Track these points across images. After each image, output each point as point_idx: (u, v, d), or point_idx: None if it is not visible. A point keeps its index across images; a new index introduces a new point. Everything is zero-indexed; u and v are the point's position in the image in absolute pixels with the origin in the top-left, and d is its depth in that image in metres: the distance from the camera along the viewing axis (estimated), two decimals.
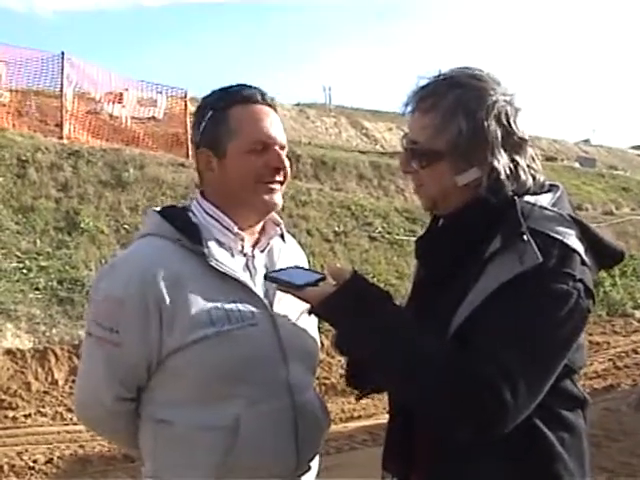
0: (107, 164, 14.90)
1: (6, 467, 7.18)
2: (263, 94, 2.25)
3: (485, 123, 1.91)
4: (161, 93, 21.00)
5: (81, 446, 7.85)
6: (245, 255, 2.25)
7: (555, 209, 1.93)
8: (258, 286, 2.22)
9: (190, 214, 2.25)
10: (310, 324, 2.33)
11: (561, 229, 1.87)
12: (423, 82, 2.01)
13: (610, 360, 12.75)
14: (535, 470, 1.89)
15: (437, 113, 1.95)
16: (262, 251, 2.31)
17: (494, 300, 1.79)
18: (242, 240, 2.24)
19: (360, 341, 1.88)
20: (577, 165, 34.97)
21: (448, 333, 1.85)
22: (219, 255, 2.17)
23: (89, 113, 18.73)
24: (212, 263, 2.13)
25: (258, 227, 2.32)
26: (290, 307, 2.23)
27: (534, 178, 1.99)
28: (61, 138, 16.40)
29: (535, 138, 41.27)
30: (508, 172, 1.93)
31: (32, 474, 7.16)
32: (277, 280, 2.07)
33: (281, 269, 2.17)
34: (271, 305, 2.20)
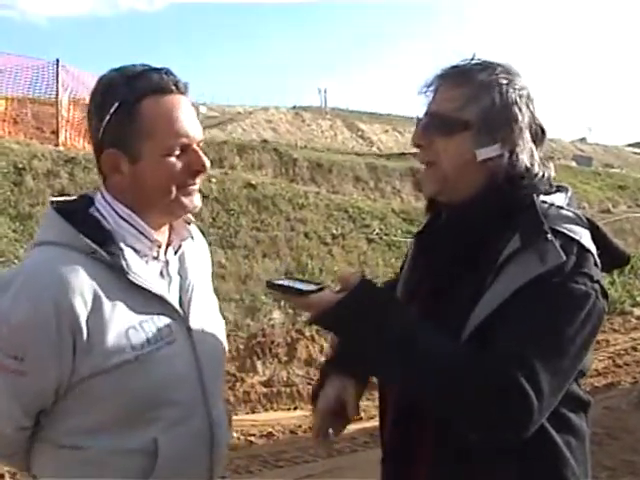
0: None
1: (7, 475, 7.15)
2: (177, 81, 1.96)
3: (518, 102, 1.92)
4: None
5: None
6: (159, 261, 2.04)
7: (571, 209, 1.93)
8: (173, 295, 2.03)
9: (97, 215, 1.99)
10: (218, 328, 2.19)
11: (578, 229, 1.85)
12: (453, 63, 1.99)
13: (610, 358, 12.74)
14: (543, 474, 1.87)
15: (470, 86, 1.92)
16: (175, 254, 2.10)
17: (515, 301, 1.75)
18: (159, 247, 2.03)
19: (374, 350, 1.81)
20: (573, 164, 35.03)
21: (463, 334, 1.81)
22: (136, 267, 1.94)
23: (84, 120, 18.70)
24: (131, 278, 1.91)
25: (166, 227, 2.09)
26: (201, 313, 2.09)
27: (544, 176, 1.97)
28: (57, 145, 16.43)
29: None
30: (528, 158, 1.92)
31: None
32: (279, 287, 1.95)
33: (280, 278, 2.04)
34: (186, 315, 2.03)
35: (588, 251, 1.83)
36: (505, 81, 1.92)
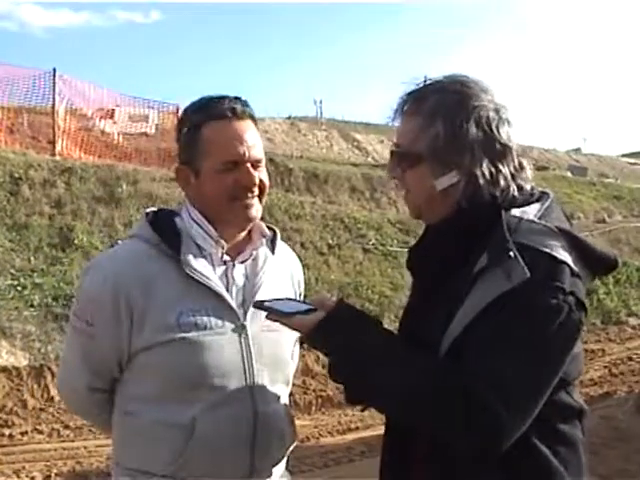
0: (100, 180, 14.90)
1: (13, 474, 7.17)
2: (234, 108, 2.24)
3: (464, 126, 1.89)
4: (153, 108, 21.09)
5: (79, 462, 7.84)
6: (225, 263, 2.28)
7: (542, 222, 1.90)
8: (234, 295, 2.27)
9: (177, 218, 2.32)
10: (289, 340, 2.38)
11: (548, 242, 1.83)
12: (409, 88, 2.01)
13: (605, 367, 12.76)
14: None
15: (419, 116, 1.95)
16: (244, 261, 2.33)
17: (484, 317, 1.77)
18: (222, 247, 2.27)
19: (351, 369, 1.89)
20: (568, 174, 35.09)
21: (440, 351, 1.84)
22: (196, 262, 2.21)
23: (81, 129, 18.76)
24: (187, 270, 2.18)
25: (242, 236, 2.34)
26: (264, 318, 2.18)
27: (520, 188, 1.96)
28: (54, 155, 16.44)
29: (527, 148, 41.35)
30: (488, 178, 1.90)
31: None
32: (265, 308, 2.09)
33: (273, 299, 2.15)
34: (245, 316, 2.25)
35: (561, 262, 1.81)
36: (454, 104, 1.92)
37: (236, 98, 2.28)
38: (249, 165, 2.24)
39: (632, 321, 16.80)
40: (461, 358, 1.77)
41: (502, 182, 1.92)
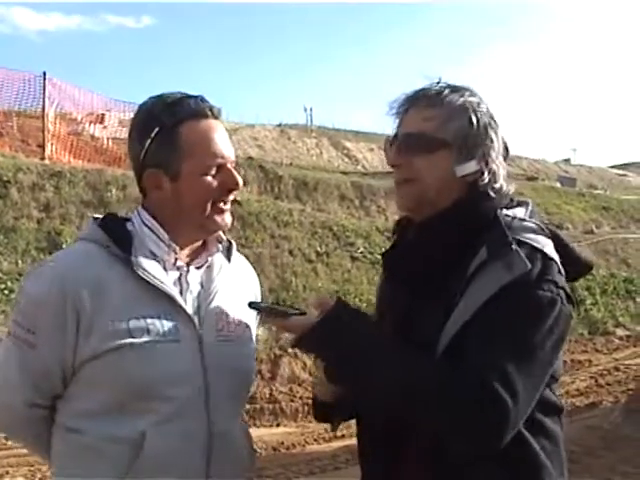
0: (89, 184, 14.89)
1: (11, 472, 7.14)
2: (212, 107, 2.15)
3: (490, 123, 2.02)
4: None
5: None
6: (179, 269, 2.15)
7: (533, 220, 2.00)
8: (189, 302, 2.12)
9: (128, 223, 2.17)
10: (247, 352, 2.27)
11: (540, 239, 1.93)
12: (421, 86, 2.06)
13: (592, 378, 12.81)
14: (522, 479, 1.92)
15: (444, 107, 2.00)
16: (199, 267, 2.20)
17: (486, 310, 1.81)
18: (175, 252, 2.14)
19: (353, 370, 1.87)
20: (558, 185, 35.25)
21: (438, 348, 1.85)
22: (149, 266, 2.07)
23: (71, 134, 18.73)
24: (139, 272, 2.04)
25: (198, 243, 2.23)
26: (221, 326, 2.16)
27: (507, 190, 2.06)
28: (43, 158, 16.41)
29: (516, 158, 41.52)
30: (494, 174, 2.02)
31: None
32: (261, 308, 2.05)
33: (262, 302, 2.13)
34: (200, 323, 2.11)
35: (551, 259, 1.89)
36: (475, 103, 2.02)
37: (201, 97, 2.17)
38: (230, 166, 2.15)
39: (619, 332, 16.88)
40: (462, 353, 1.79)
41: (500, 181, 2.03)
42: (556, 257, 1.91)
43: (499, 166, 2.03)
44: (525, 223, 1.98)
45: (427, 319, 1.92)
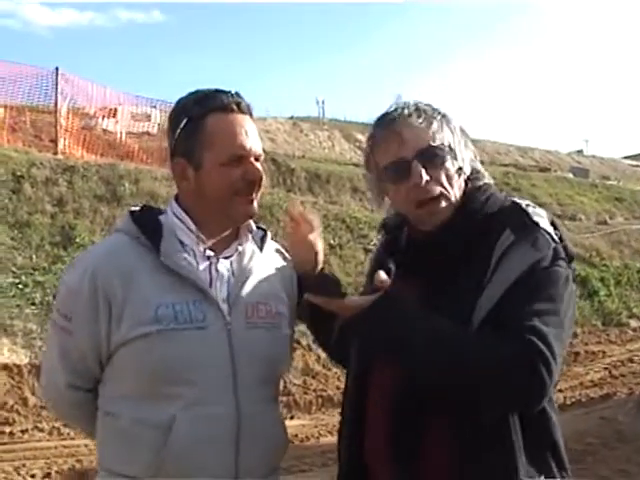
0: (102, 179, 14.92)
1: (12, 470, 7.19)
2: (239, 102, 2.22)
3: (461, 130, 2.22)
4: (155, 107, 21.05)
5: (79, 460, 7.86)
6: (209, 258, 2.21)
7: (537, 208, 2.16)
8: (218, 290, 2.19)
9: (162, 216, 2.26)
10: (278, 337, 2.29)
11: (547, 224, 2.11)
12: (393, 108, 2.18)
13: (606, 369, 12.78)
14: (543, 441, 2.06)
15: (430, 119, 2.14)
16: (228, 257, 2.26)
17: (518, 286, 1.97)
18: (203, 242, 2.21)
19: (415, 343, 1.95)
20: (570, 176, 35.03)
21: (471, 326, 1.97)
22: (177, 255, 2.16)
23: (83, 128, 18.77)
24: (166, 262, 2.13)
25: (228, 233, 2.28)
26: (252, 315, 2.21)
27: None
28: (56, 153, 16.44)
29: (528, 149, 41.35)
30: (477, 170, 2.23)
31: None
32: (316, 288, 2.10)
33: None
34: (229, 311, 2.17)
35: (557, 241, 2.08)
36: (444, 112, 2.19)
37: (235, 93, 2.24)
38: (253, 159, 2.21)
39: (633, 323, 16.84)
40: (498, 325, 1.92)
41: (487, 177, 2.26)
42: (558, 240, 2.10)
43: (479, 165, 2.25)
44: (538, 209, 2.15)
45: (456, 301, 2.01)
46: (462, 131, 2.21)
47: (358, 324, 2.02)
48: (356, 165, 25.85)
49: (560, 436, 2.10)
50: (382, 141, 2.16)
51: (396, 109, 2.16)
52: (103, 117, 20.15)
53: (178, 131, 2.21)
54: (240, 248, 2.29)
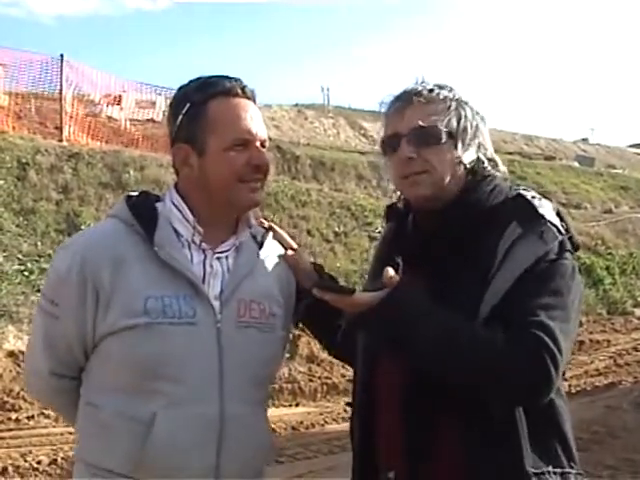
0: (107, 166, 14.92)
1: (10, 468, 7.19)
2: (243, 87, 2.16)
3: (476, 114, 2.20)
4: (160, 95, 21.03)
5: None
6: (204, 252, 2.15)
7: (543, 200, 2.15)
8: (211, 286, 2.12)
9: (159, 203, 2.19)
10: (271, 337, 2.22)
11: (553, 215, 2.11)
12: (410, 86, 2.19)
13: (611, 358, 12.79)
14: (550, 432, 2.06)
15: (443, 101, 2.15)
16: (225, 251, 2.19)
17: (526, 278, 1.97)
18: (199, 234, 2.13)
19: (425, 340, 1.94)
20: (576, 164, 34.96)
21: (478, 317, 1.95)
22: (172, 247, 2.08)
23: (88, 115, 18.75)
24: (159, 253, 2.04)
25: (226, 226, 2.21)
26: (245, 312, 2.15)
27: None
28: (61, 140, 16.43)
29: (534, 137, 41.25)
30: (490, 159, 2.20)
31: (36, 475, 7.17)
32: (323, 285, 2.05)
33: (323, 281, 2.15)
34: (221, 308, 2.10)
35: (563, 233, 2.09)
36: (464, 98, 2.19)
37: (237, 78, 2.18)
38: (258, 144, 2.14)
39: (638, 312, 16.84)
40: (505, 319, 1.92)
41: (501, 167, 2.24)
42: (571, 231, 2.13)
43: (494, 155, 2.22)
44: (544, 201, 2.14)
45: (462, 292, 1.99)
46: (478, 120, 2.19)
47: (367, 321, 2.00)
48: (361, 153, 25.86)
49: (569, 427, 2.09)
50: (387, 117, 2.21)
51: (409, 89, 2.17)
52: (108, 104, 20.13)
53: (180, 117, 2.14)
54: (237, 244, 2.22)
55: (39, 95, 19.36)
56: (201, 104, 2.12)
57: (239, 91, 2.15)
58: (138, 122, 20.20)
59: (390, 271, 2.00)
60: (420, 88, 2.15)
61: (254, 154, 2.12)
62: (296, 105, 33.91)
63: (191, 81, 2.20)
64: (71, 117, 17.58)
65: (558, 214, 2.13)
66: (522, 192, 2.15)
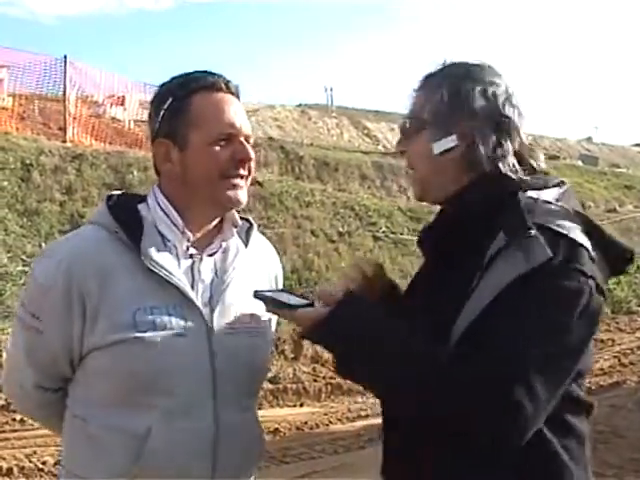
0: (111, 167, 14.93)
1: (15, 469, 7.19)
2: (227, 82, 2.09)
3: (470, 93, 1.90)
4: None
5: None
6: (191, 257, 2.07)
7: (559, 203, 1.84)
8: (200, 293, 2.05)
9: (142, 205, 2.10)
10: (261, 342, 2.17)
11: (567, 224, 1.76)
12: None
13: (615, 357, 12.75)
14: (541, 478, 1.80)
15: (428, 86, 1.97)
16: (212, 254, 2.12)
17: (502, 300, 1.68)
18: (188, 240, 2.06)
19: (360, 365, 1.78)
20: (580, 163, 34.97)
21: (452, 335, 1.74)
22: (158, 254, 1.99)
23: (92, 116, 18.78)
24: (147, 262, 1.96)
25: (212, 226, 2.14)
26: (234, 317, 2.09)
27: (532, 170, 1.94)
28: (64, 141, 16.46)
29: (537, 137, 41.22)
30: (490, 148, 1.88)
31: (41, 476, 7.16)
32: (265, 299, 1.97)
33: (270, 290, 2.09)
34: (211, 315, 2.04)
35: (580, 246, 1.73)
36: (460, 74, 1.93)
37: (221, 74, 2.12)
38: (243, 139, 2.06)
39: None
40: (479, 342, 1.67)
41: (508, 157, 1.90)
42: (586, 243, 1.75)
43: (497, 142, 1.89)
44: (549, 206, 1.82)
45: (443, 301, 1.81)
46: (471, 104, 1.89)
47: (310, 337, 1.86)
48: (364, 152, 25.87)
49: (571, 463, 1.81)
50: None
51: (427, 73, 2.00)
52: (111, 105, 20.15)
53: (162, 112, 2.07)
54: (224, 244, 2.15)
55: (42, 96, 19.40)
56: (184, 98, 2.05)
57: (222, 86, 2.09)
58: (142, 123, 20.19)
59: (329, 289, 1.91)
60: (426, 74, 2.00)
61: (238, 148, 2.05)
62: (299, 105, 33.96)
63: (174, 77, 2.13)
64: (75, 118, 17.61)
65: (594, 230, 1.82)
66: (524, 194, 1.84)
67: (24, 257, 11.54)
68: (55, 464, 7.38)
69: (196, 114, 2.04)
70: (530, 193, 1.85)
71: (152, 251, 1.99)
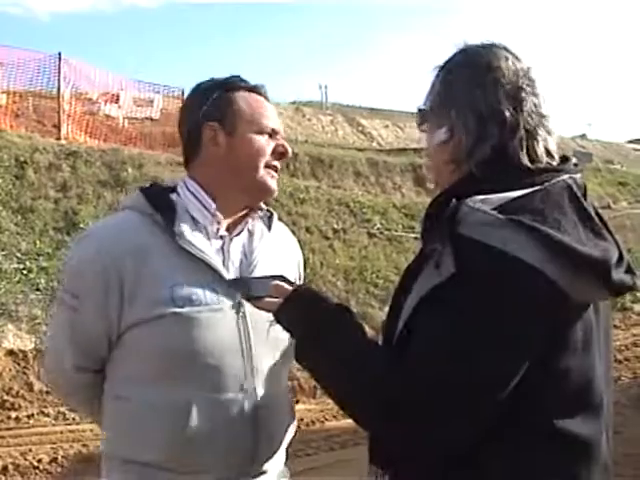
0: (105, 164, 14.90)
1: (11, 467, 7.20)
2: (263, 87, 2.29)
3: (458, 82, 1.77)
4: (158, 93, 21.00)
5: (85, 445, 7.89)
6: (222, 238, 2.19)
7: (494, 212, 1.58)
8: (231, 271, 2.16)
9: (172, 194, 2.21)
10: None
11: (498, 235, 1.53)
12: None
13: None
14: None
15: (432, 78, 1.87)
16: (239, 234, 2.24)
17: (420, 311, 1.62)
18: (219, 223, 2.18)
19: (306, 357, 1.77)
20: (573, 160, 34.94)
21: (394, 337, 1.70)
22: (191, 235, 2.11)
23: (86, 113, 18.73)
24: (180, 242, 2.07)
25: (242, 214, 2.27)
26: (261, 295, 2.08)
27: (522, 167, 1.73)
28: (59, 139, 16.41)
29: None
30: (470, 144, 1.73)
31: (36, 474, 7.19)
32: (237, 287, 2.07)
33: (253, 277, 2.12)
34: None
35: (515, 258, 1.51)
36: (459, 62, 1.81)
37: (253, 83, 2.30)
38: (279, 137, 2.26)
39: (637, 307, 16.80)
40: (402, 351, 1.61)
41: (487, 150, 1.72)
42: (525, 255, 1.51)
43: (480, 134, 1.72)
44: (485, 216, 1.57)
45: (398, 300, 1.77)
46: (463, 92, 1.76)
47: (278, 323, 1.86)
48: (359, 149, 25.82)
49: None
50: None
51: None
52: (105, 102, 20.10)
53: (211, 99, 2.21)
54: (250, 226, 2.28)
55: (37, 93, 19.33)
56: (232, 91, 2.22)
57: (262, 91, 2.27)
58: (136, 120, 20.17)
59: (277, 283, 1.90)
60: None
61: (280, 142, 2.24)
62: (294, 103, 33.88)
63: (212, 78, 2.28)
64: (69, 115, 17.58)
65: (553, 242, 1.54)
66: (462, 201, 1.61)
67: (19, 255, 11.52)
68: (50, 462, 7.40)
69: (242, 108, 2.20)
70: (476, 197, 1.62)
71: (185, 232, 2.10)
